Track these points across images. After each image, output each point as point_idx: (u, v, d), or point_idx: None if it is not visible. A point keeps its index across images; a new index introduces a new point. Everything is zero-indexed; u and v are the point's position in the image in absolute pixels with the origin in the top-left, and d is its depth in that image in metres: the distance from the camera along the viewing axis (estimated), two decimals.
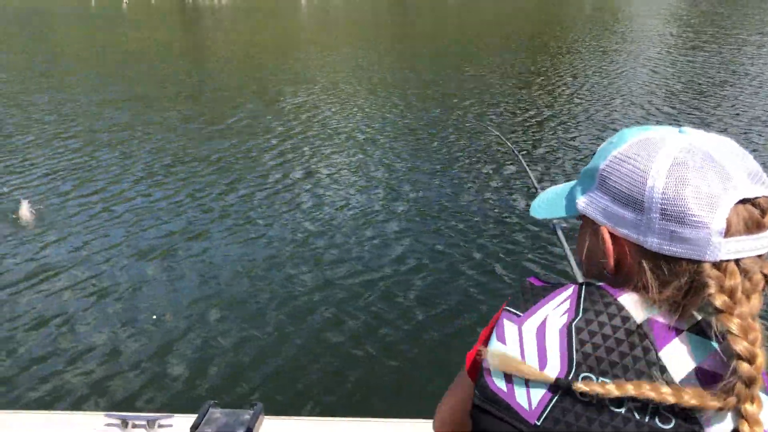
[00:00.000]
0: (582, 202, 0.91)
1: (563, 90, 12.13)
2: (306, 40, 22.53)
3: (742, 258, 0.78)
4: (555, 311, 0.86)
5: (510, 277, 5.12)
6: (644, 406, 0.78)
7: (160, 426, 1.92)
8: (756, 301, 0.79)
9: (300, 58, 16.85)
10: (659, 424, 0.78)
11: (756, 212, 0.78)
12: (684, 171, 0.79)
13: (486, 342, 0.90)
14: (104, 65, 15.93)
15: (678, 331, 0.81)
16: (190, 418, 1.89)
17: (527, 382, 0.84)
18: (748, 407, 0.76)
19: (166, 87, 13.18)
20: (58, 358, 4.22)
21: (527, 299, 0.89)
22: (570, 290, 0.88)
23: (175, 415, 1.98)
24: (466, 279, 5.10)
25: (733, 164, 0.79)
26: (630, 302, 0.83)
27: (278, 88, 12.96)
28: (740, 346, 0.76)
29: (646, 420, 0.78)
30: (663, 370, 0.79)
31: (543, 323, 0.86)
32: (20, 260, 5.48)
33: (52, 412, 2.86)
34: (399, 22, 24.93)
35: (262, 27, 25.94)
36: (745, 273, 0.79)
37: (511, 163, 7.83)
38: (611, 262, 0.87)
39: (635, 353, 0.80)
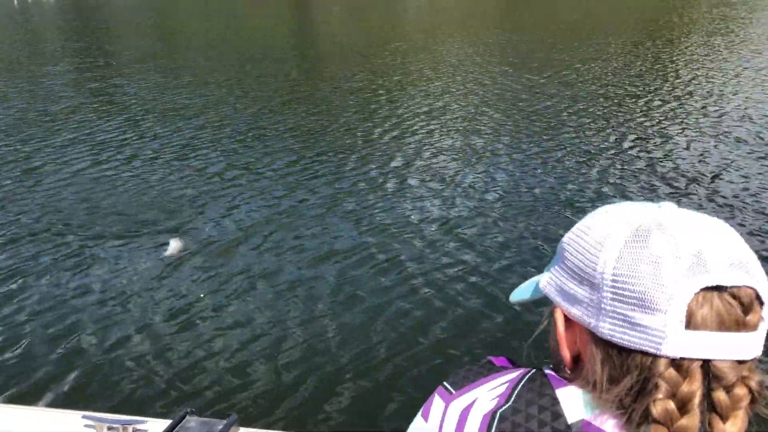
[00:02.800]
0: (544, 279, 0.82)
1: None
2: (414, 36, 22.66)
3: (714, 360, 0.65)
4: (487, 394, 0.78)
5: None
6: None
7: (135, 430, 1.96)
8: (741, 423, 0.66)
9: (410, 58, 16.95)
10: None
11: (735, 306, 0.65)
12: (642, 245, 0.68)
13: None
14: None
15: None
16: (164, 423, 1.94)
17: None
18: None
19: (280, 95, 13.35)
20: (46, 355, 4.28)
21: (466, 377, 0.82)
22: (514, 375, 0.79)
23: (150, 419, 2.03)
24: (468, 308, 4.95)
25: (710, 247, 0.67)
26: (568, 397, 0.73)
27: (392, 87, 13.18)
28: None
29: None
30: None
31: (470, 406, 0.78)
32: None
33: (31, 407, 2.90)
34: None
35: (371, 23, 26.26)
36: (718, 380, 0.65)
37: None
38: (563, 350, 0.77)
39: None
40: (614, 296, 0.68)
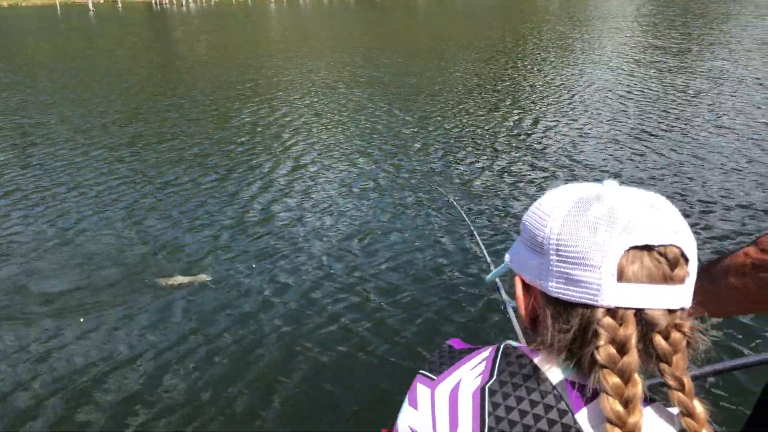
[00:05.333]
0: (509, 253, 0.90)
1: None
2: (277, 41, 22.54)
3: (646, 309, 0.75)
4: (469, 374, 0.84)
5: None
6: None
7: None
8: (682, 362, 0.76)
9: (268, 63, 16.83)
10: None
11: (663, 263, 0.75)
12: (582, 212, 0.78)
13: None
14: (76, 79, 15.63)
15: (596, 393, 0.76)
16: None
17: None
18: None
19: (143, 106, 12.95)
20: None
21: (443, 362, 0.87)
22: (487, 352, 0.86)
23: None
24: (399, 327, 4.94)
25: (641, 213, 0.76)
26: (546, 362, 0.81)
27: (247, 95, 12.88)
28: (610, 409, 0.73)
29: None
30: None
31: (456, 386, 0.83)
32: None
33: None
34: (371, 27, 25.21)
35: (233, 30, 25.90)
36: (652, 326, 0.75)
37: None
38: (522, 312, 0.86)
39: (550, 416, 0.77)
40: (558, 258, 0.78)
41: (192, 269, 5.72)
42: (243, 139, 10.39)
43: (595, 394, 0.75)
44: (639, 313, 0.75)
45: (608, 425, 0.73)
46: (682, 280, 0.76)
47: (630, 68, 15.75)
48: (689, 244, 0.77)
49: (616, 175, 7.98)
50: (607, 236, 0.74)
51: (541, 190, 7.64)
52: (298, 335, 4.66)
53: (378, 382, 4.13)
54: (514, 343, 0.85)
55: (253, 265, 5.79)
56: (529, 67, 16.70)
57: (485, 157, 8.97)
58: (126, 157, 9.46)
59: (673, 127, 10.17)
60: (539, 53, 19.08)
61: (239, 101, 13.22)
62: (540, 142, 9.66)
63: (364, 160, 9.06)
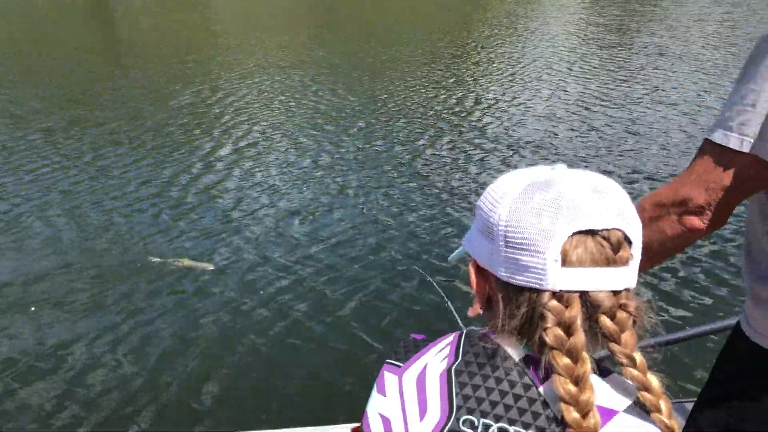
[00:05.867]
0: (465, 237, 0.92)
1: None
2: (222, 21, 22.02)
3: (591, 291, 0.77)
4: (435, 358, 0.86)
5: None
6: None
7: None
8: (630, 340, 0.78)
9: (211, 43, 16.33)
10: None
11: (606, 246, 0.78)
12: (528, 199, 0.80)
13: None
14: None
15: (548, 371, 0.79)
16: None
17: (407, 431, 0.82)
18: None
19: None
20: None
21: (408, 350, 0.90)
22: (451, 337, 0.88)
23: None
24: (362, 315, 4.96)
25: (586, 197, 0.78)
26: (507, 341, 0.83)
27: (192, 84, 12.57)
28: (562, 389, 0.75)
29: None
30: (546, 405, 0.78)
31: (423, 371, 0.85)
32: None
33: None
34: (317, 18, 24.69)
35: (175, 11, 25.16)
36: (597, 308, 0.78)
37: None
38: (477, 294, 0.89)
39: (516, 391, 0.80)
40: (507, 243, 0.80)
41: (130, 252, 5.60)
42: (183, 120, 10.15)
43: (548, 373, 0.78)
44: (584, 295, 0.77)
45: (562, 404, 0.75)
46: (625, 262, 0.79)
47: (572, 44, 15.95)
48: (633, 227, 0.79)
49: (556, 152, 8.10)
50: (551, 222, 0.77)
51: (481, 165, 7.72)
52: (236, 319, 4.62)
53: (316, 364, 4.13)
54: (475, 328, 0.87)
55: (189, 247, 5.71)
56: (474, 44, 16.73)
57: (428, 136, 8.98)
58: (61, 142, 9.13)
59: (613, 102, 10.36)
60: (484, 30, 19.14)
61: (180, 82, 12.90)
62: (481, 120, 9.72)
63: (306, 140, 8.97)
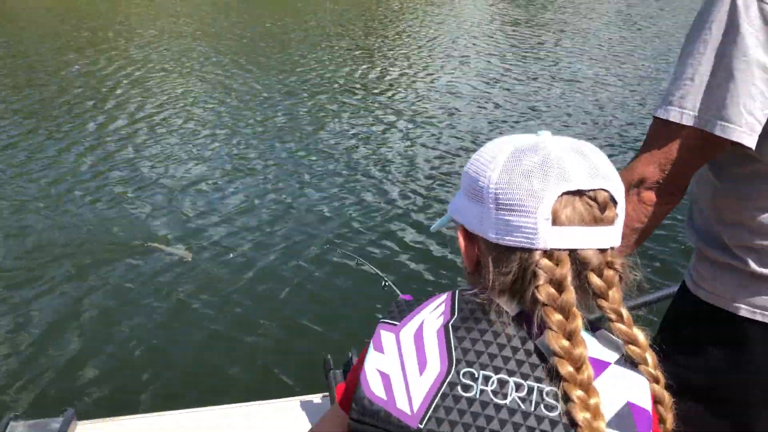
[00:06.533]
0: (450, 205, 0.94)
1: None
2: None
3: (579, 249, 0.81)
4: (431, 315, 0.87)
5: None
6: (529, 394, 0.80)
7: None
8: (617, 296, 0.83)
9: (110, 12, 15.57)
10: (545, 412, 0.79)
11: (593, 206, 0.81)
12: (518, 162, 0.82)
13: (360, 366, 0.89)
14: None
15: (540, 327, 0.82)
16: None
17: (407, 386, 0.83)
18: (576, 396, 0.78)
19: None
20: None
21: (402, 310, 0.90)
22: (444, 296, 0.90)
23: None
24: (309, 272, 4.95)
25: (573, 160, 0.82)
26: (499, 299, 0.85)
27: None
28: (557, 345, 0.79)
29: (532, 409, 0.80)
30: (542, 358, 0.81)
31: (420, 327, 0.86)
32: None
33: None
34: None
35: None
36: (586, 265, 0.81)
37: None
38: (465, 259, 0.91)
39: (513, 344, 0.83)
40: (497, 206, 0.82)
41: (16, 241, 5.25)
42: (75, 91, 9.60)
43: (541, 329, 0.81)
44: (573, 253, 0.81)
45: (556, 359, 0.78)
46: (611, 222, 0.83)
47: (481, 20, 16.11)
48: (617, 188, 0.83)
49: (461, 125, 8.18)
50: (541, 183, 0.80)
51: (384, 139, 7.71)
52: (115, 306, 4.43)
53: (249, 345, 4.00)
54: (466, 288, 0.90)
55: (80, 222, 5.42)
56: (383, 18, 16.65)
57: (333, 108, 8.88)
58: None
59: (516, 78, 10.55)
60: (394, 3, 19.04)
61: (74, 52, 12.19)
62: (387, 93, 9.73)
63: (205, 113, 8.68)
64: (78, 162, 6.89)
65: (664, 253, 5.01)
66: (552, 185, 0.80)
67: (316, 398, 1.88)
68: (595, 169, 0.82)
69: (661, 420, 0.86)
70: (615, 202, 0.83)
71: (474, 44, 13.20)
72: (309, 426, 1.76)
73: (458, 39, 13.70)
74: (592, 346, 0.83)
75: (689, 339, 1.40)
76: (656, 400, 0.85)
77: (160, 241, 5.18)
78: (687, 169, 1.23)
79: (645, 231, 1.29)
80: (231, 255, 5.04)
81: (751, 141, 1.12)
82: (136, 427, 1.83)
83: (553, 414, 0.79)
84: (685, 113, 1.16)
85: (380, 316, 0.90)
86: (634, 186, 1.24)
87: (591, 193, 0.81)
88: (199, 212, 5.77)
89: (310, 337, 4.09)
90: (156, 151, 7.23)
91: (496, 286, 0.84)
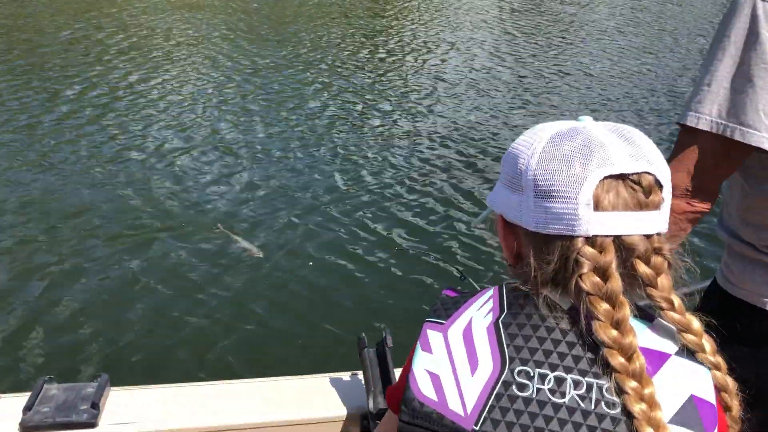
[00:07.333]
0: (489, 197, 0.92)
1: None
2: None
3: (624, 235, 0.78)
4: (479, 312, 0.84)
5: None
6: (588, 392, 0.77)
7: None
8: (667, 283, 0.80)
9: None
10: (606, 409, 0.76)
11: (638, 190, 0.78)
12: (557, 147, 0.80)
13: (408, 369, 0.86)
14: None
15: (587, 318, 0.79)
16: (21, 399, 1.68)
17: (459, 386, 0.80)
18: (630, 387, 0.75)
19: None
20: None
21: (447, 308, 0.87)
22: (491, 291, 0.87)
23: (2, 396, 1.75)
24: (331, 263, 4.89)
25: (615, 143, 0.79)
26: (553, 295, 0.82)
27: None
28: (604, 334, 0.76)
29: (593, 407, 0.76)
30: (598, 353, 0.78)
31: (468, 325, 0.83)
32: None
33: None
34: None
35: None
36: (631, 251, 0.78)
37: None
38: (506, 251, 0.89)
39: (568, 339, 0.79)
40: (537, 193, 0.80)
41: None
42: (65, 54, 9.50)
43: (587, 320, 0.78)
44: (617, 239, 0.78)
45: (606, 350, 0.75)
46: (657, 206, 0.79)
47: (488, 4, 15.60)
48: (663, 172, 0.80)
49: (462, 109, 8.06)
50: (582, 168, 0.77)
51: (383, 119, 7.63)
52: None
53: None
54: (512, 282, 0.87)
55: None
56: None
57: (332, 88, 8.79)
58: None
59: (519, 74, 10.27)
60: None
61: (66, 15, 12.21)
62: (386, 75, 9.66)
63: (204, 88, 8.56)
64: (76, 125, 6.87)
65: (699, 249, 4.92)
66: (593, 169, 0.77)
67: (346, 375, 1.85)
68: (638, 152, 0.79)
69: (726, 408, 0.82)
70: (660, 186, 0.80)
71: (482, 30, 12.96)
72: (336, 401, 1.75)
73: (462, 24, 13.41)
74: (649, 337, 0.80)
75: (715, 333, 1.38)
76: (720, 388, 0.81)
77: (226, 226, 5.13)
78: (715, 175, 1.22)
79: (673, 238, 1.25)
80: (269, 234, 5.03)
81: None
82: (171, 395, 1.82)
83: (615, 411, 0.75)
84: (701, 118, 1.16)
85: (421, 302, 0.85)
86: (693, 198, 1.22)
87: (635, 177, 0.78)
88: (247, 191, 5.77)
89: (343, 316, 4.08)
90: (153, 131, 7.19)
91: (538, 278, 0.81)
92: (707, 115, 1.16)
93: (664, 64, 10.70)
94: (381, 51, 11.06)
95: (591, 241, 0.77)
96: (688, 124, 1.18)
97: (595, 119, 0.86)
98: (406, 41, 11.82)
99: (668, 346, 0.81)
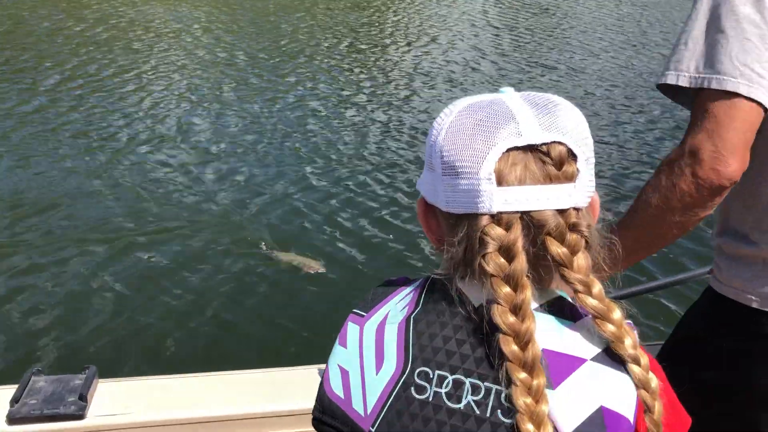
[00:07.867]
0: (419, 179, 0.85)
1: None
2: None
3: (534, 211, 0.70)
4: (397, 306, 0.80)
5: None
6: (485, 398, 0.69)
7: None
8: (584, 263, 0.71)
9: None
10: (501, 418, 0.68)
11: (547, 162, 0.71)
12: (464, 120, 0.74)
13: None
14: None
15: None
16: (9, 390, 1.68)
17: (364, 385, 0.76)
18: (519, 378, 0.67)
19: None
20: None
21: (374, 298, 0.83)
22: (417, 283, 0.82)
23: None
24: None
25: (526, 113, 0.72)
26: (469, 286, 0.75)
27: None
28: (501, 320, 0.68)
29: (488, 414, 0.69)
30: (503, 356, 0.69)
31: (383, 320, 0.79)
32: None
33: None
34: None
35: None
36: (541, 228, 0.70)
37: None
38: (428, 235, 0.83)
39: (472, 340, 0.72)
40: (443, 170, 0.74)
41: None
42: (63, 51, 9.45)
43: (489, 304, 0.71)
44: (526, 216, 0.70)
45: (501, 336, 0.68)
46: (570, 178, 0.71)
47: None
48: (577, 141, 0.72)
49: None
50: (484, 141, 0.71)
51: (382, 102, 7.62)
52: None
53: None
54: (440, 272, 0.79)
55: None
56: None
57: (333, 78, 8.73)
58: None
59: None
60: None
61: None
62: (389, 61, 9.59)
63: (201, 80, 8.54)
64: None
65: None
66: (497, 142, 0.70)
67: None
68: (552, 122, 0.71)
69: (647, 409, 0.70)
70: (575, 157, 0.71)
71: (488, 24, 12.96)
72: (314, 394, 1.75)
73: (446, 17, 13.43)
74: (565, 339, 0.71)
75: (702, 330, 1.41)
76: (639, 385, 0.69)
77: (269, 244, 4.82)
78: (733, 134, 1.12)
79: (696, 211, 1.17)
80: (262, 226, 5.03)
81: (754, 92, 1.10)
82: (158, 387, 1.81)
83: (511, 420, 0.67)
84: (680, 75, 1.18)
85: None
86: (687, 160, 1.15)
87: (544, 148, 0.70)
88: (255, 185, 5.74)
89: (323, 309, 4.07)
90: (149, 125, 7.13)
91: (451, 263, 0.75)
92: (685, 72, 1.18)
93: (648, 58, 10.77)
94: (362, 43, 11.04)
95: (497, 218, 0.70)
96: (669, 82, 1.19)
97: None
98: (387, 33, 11.83)
99: (585, 350, 0.71)
